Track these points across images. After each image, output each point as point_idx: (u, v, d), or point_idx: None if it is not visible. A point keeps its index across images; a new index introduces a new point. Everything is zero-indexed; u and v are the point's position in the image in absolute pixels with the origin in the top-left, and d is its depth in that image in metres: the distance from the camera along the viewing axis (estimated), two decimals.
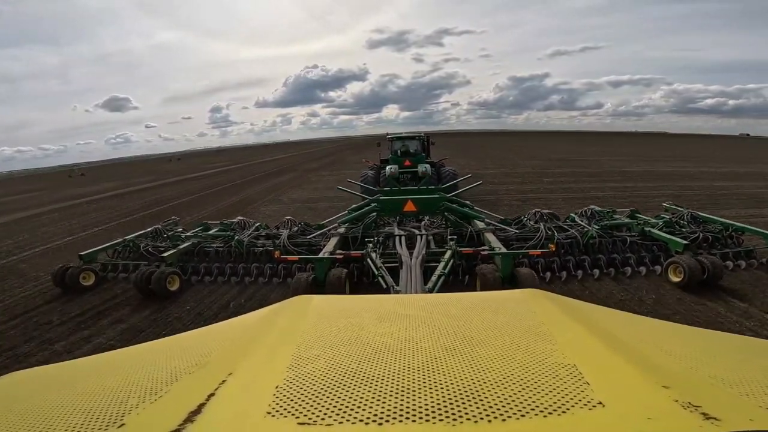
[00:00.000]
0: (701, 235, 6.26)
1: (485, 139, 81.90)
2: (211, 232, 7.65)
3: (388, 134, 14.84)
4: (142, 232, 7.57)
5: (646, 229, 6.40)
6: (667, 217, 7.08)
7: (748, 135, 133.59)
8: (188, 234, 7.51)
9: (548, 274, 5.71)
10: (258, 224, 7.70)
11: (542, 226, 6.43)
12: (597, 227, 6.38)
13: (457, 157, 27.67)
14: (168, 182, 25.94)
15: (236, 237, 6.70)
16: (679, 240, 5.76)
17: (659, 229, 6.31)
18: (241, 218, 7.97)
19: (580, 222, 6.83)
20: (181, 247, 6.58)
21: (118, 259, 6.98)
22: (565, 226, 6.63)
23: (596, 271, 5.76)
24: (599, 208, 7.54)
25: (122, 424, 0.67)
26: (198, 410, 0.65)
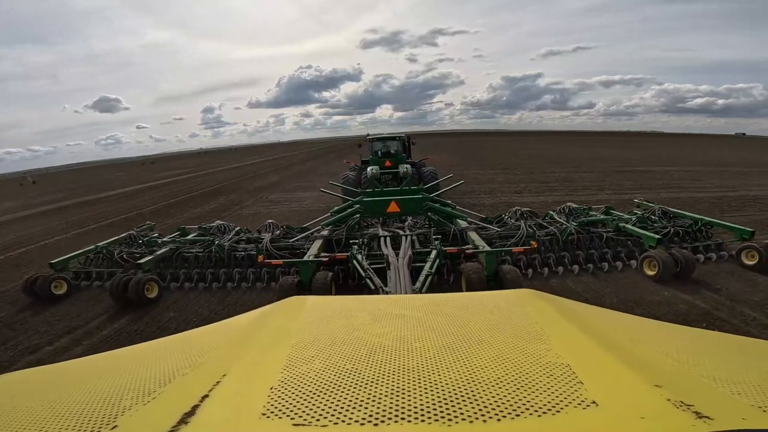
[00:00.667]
0: (672, 229, 6.53)
1: (484, 140, 71.79)
2: (189, 237, 7.44)
3: (368, 135, 14.85)
4: (115, 238, 7.31)
5: (621, 224, 6.62)
6: (640, 212, 7.35)
7: (744, 134, 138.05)
8: (165, 239, 7.28)
9: (530, 270, 5.84)
10: (238, 228, 7.56)
11: (523, 224, 6.57)
12: (575, 224, 6.56)
13: (466, 167, 21.72)
14: (65, 205, 18.57)
15: (216, 242, 6.55)
16: (652, 235, 5.98)
17: (633, 225, 6.53)
18: (221, 222, 7.80)
19: (558, 219, 7.01)
20: (158, 253, 6.37)
21: (91, 266, 6.71)
22: (545, 224, 6.79)
23: (576, 267, 5.92)
24: (576, 205, 7.76)
25: (115, 426, 0.65)
26: (192, 412, 0.64)
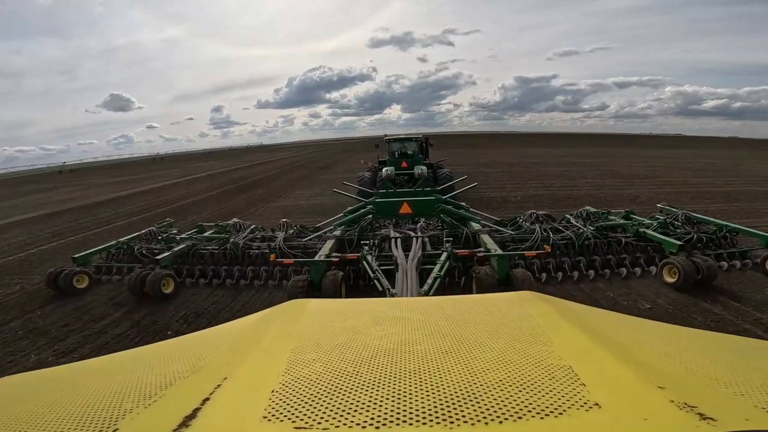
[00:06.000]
0: (695, 235, 6.31)
1: (503, 145, 52.36)
2: (206, 234, 7.61)
3: (386, 135, 14.88)
4: (136, 234, 7.51)
5: (641, 230, 6.43)
6: (662, 218, 7.13)
7: None
8: (183, 236, 7.46)
9: (544, 275, 5.74)
10: (254, 226, 7.68)
11: (538, 228, 6.46)
12: (592, 228, 6.42)
13: None
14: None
15: (231, 239, 6.67)
16: (673, 241, 5.80)
17: (654, 230, 6.34)
18: (237, 220, 7.94)
19: (575, 223, 6.86)
20: (175, 249, 6.53)
21: (112, 261, 6.92)
22: (561, 228, 6.66)
23: (591, 272, 5.79)
24: (594, 209, 7.58)
25: (116, 429, 0.66)
26: (193, 415, 0.65)
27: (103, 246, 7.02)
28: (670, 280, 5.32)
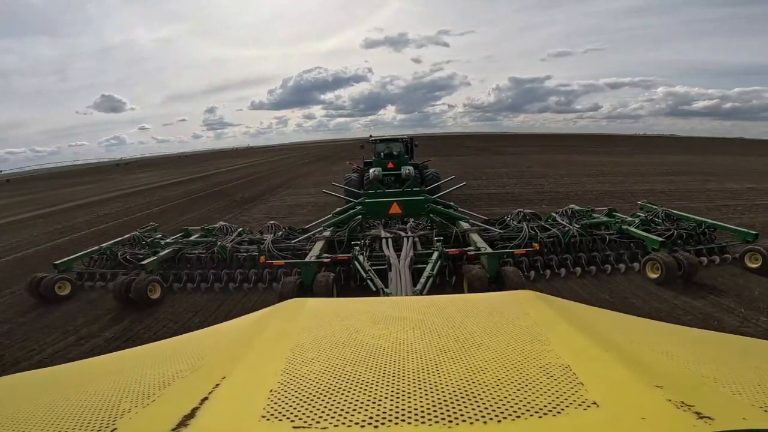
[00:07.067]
0: (675, 232, 6.50)
1: (515, 149, 44.41)
2: (192, 238, 7.47)
3: (371, 136, 14.89)
4: (119, 239, 7.33)
5: (624, 227, 6.59)
6: (643, 215, 7.31)
7: None
8: (168, 240, 7.31)
9: (533, 273, 5.82)
10: (241, 229, 7.59)
11: (525, 226, 6.55)
12: (577, 226, 6.54)
13: None
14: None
15: (219, 243, 6.56)
16: (655, 237, 5.95)
17: (636, 227, 6.50)
18: (223, 223, 7.83)
19: (561, 221, 6.98)
20: (161, 254, 6.39)
21: (95, 267, 6.74)
22: (547, 226, 6.77)
23: (578, 269, 5.90)
24: (579, 207, 7.72)
25: (114, 429, 0.65)
26: (192, 414, 0.64)
27: (84, 252, 6.81)
28: (652, 275, 5.46)
